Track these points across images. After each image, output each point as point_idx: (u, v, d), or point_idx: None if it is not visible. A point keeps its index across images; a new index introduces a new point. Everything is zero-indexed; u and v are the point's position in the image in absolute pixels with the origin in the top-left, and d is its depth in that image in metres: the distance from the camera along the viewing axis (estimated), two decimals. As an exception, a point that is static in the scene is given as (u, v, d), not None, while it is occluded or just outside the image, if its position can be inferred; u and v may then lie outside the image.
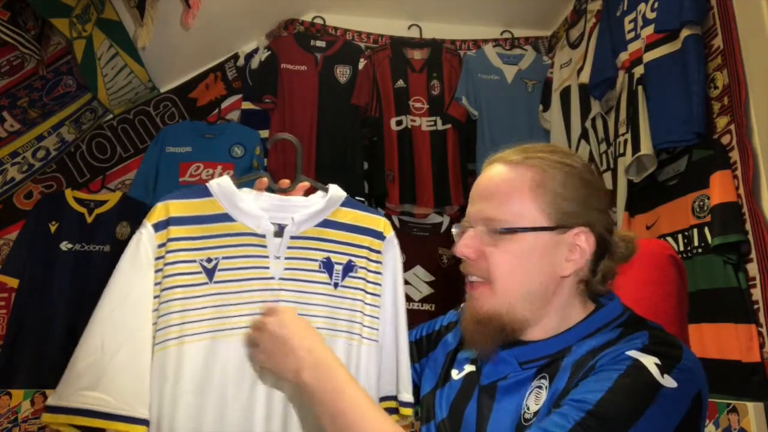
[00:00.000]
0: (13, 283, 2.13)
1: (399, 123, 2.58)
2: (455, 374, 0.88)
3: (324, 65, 2.56)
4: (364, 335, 0.91)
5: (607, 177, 2.09)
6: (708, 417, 1.39)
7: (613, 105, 2.06)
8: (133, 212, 2.30)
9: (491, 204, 0.79)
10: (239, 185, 0.91)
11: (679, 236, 1.68)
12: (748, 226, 1.47)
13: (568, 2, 2.60)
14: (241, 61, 2.64)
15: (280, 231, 0.90)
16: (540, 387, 0.74)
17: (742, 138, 1.51)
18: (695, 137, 1.64)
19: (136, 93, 2.43)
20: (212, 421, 0.82)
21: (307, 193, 0.97)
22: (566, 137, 2.36)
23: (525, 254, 0.77)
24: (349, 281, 0.92)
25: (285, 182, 0.96)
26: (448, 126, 2.59)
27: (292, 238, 0.90)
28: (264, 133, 2.51)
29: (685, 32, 1.68)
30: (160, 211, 0.87)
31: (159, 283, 0.84)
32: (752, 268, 1.46)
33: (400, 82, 2.61)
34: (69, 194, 2.27)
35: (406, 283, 2.38)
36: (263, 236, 0.89)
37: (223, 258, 0.87)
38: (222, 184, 0.90)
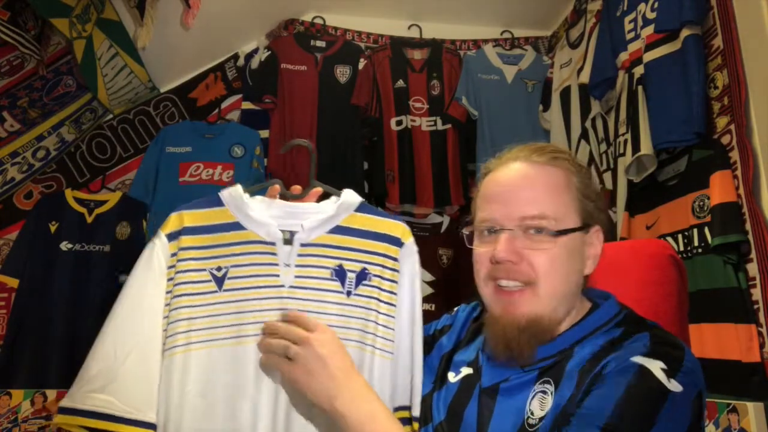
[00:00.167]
0: (13, 283, 2.13)
1: (399, 123, 2.58)
2: (452, 377, 0.87)
3: (324, 65, 2.56)
4: (378, 346, 0.88)
5: (607, 177, 2.09)
6: (708, 417, 1.39)
7: (613, 105, 2.06)
8: (133, 212, 2.30)
9: (531, 205, 0.77)
10: (252, 193, 0.91)
11: (679, 236, 1.68)
12: (748, 226, 1.48)
13: (568, 2, 2.60)
14: (241, 61, 2.64)
15: (290, 238, 0.88)
16: (544, 392, 0.74)
17: (742, 138, 1.51)
18: (695, 137, 1.64)
19: (136, 93, 2.43)
20: (217, 428, 0.82)
21: (322, 198, 0.95)
22: (566, 137, 2.36)
23: (564, 255, 0.77)
24: (363, 290, 0.89)
25: (296, 188, 0.95)
26: (448, 126, 2.59)
27: (303, 245, 0.88)
28: (264, 133, 2.51)
29: (685, 32, 1.68)
30: (174, 221, 0.89)
31: (170, 291, 0.86)
32: (752, 268, 1.46)
33: (400, 82, 2.61)
34: (69, 194, 2.27)
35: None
36: (273, 244, 0.88)
37: (233, 266, 0.87)
38: (233, 192, 0.90)
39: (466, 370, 0.86)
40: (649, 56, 1.81)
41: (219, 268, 0.87)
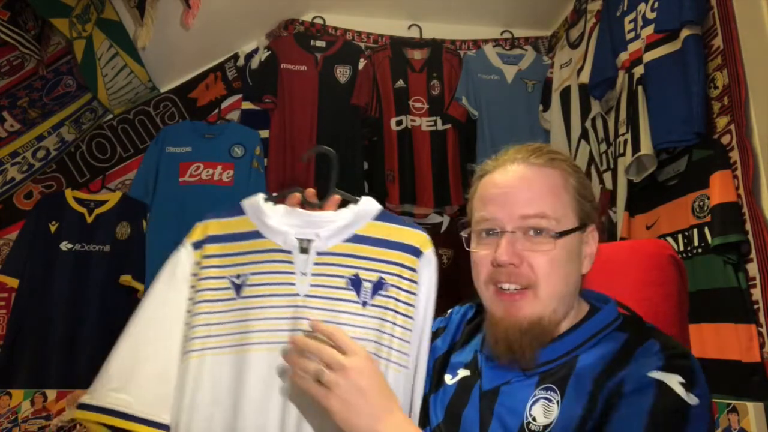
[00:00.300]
0: (13, 283, 2.14)
1: (399, 123, 2.58)
2: (449, 379, 0.87)
3: (324, 65, 2.56)
4: (393, 359, 0.86)
5: (607, 177, 2.09)
6: (708, 417, 1.38)
7: (613, 105, 2.06)
8: (133, 212, 2.30)
9: (531, 206, 0.77)
10: (276, 201, 0.92)
11: (679, 236, 1.68)
12: (748, 226, 1.48)
13: (568, 2, 2.60)
14: (241, 61, 2.64)
15: (306, 247, 0.88)
16: (548, 400, 0.73)
17: (742, 138, 1.51)
18: (695, 137, 1.64)
19: (136, 93, 2.43)
20: None
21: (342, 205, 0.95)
22: (566, 137, 2.36)
23: (564, 256, 0.77)
24: (379, 300, 0.87)
25: (310, 191, 0.95)
26: (448, 126, 2.59)
27: (319, 254, 0.88)
28: (264, 133, 2.51)
29: (685, 32, 1.68)
30: (199, 230, 0.91)
31: (191, 298, 0.88)
32: (752, 268, 1.46)
33: (400, 82, 2.61)
34: (69, 194, 2.27)
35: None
36: (290, 252, 0.88)
37: (251, 274, 0.88)
38: (253, 201, 0.92)
39: (463, 372, 0.85)
40: (649, 56, 1.81)
41: (238, 276, 0.88)
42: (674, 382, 0.66)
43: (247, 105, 2.57)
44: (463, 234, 0.85)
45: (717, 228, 1.51)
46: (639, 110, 1.81)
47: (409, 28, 2.76)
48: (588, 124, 2.23)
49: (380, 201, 2.78)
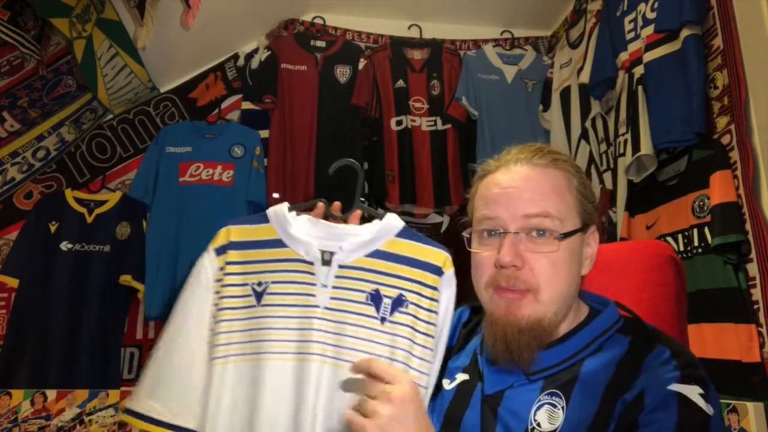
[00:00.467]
0: (13, 283, 2.14)
1: (399, 123, 2.58)
2: (447, 384, 0.86)
3: (324, 65, 2.56)
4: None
5: (607, 177, 2.09)
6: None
7: (613, 105, 2.06)
8: (133, 212, 2.30)
9: (534, 205, 0.77)
10: (300, 211, 0.92)
11: (679, 236, 1.68)
12: (748, 226, 1.47)
13: (568, 2, 2.59)
14: (241, 61, 2.64)
15: (329, 259, 0.88)
16: (554, 405, 0.73)
17: (742, 138, 1.51)
18: (695, 137, 1.64)
19: (136, 93, 2.43)
20: None
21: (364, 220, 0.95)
22: (566, 137, 2.36)
23: (567, 258, 0.77)
24: (398, 317, 0.86)
25: (336, 204, 0.96)
26: (448, 126, 2.59)
27: (341, 267, 0.88)
28: (264, 133, 2.51)
29: (685, 32, 1.68)
30: (222, 236, 0.92)
31: (216, 304, 0.89)
32: (752, 268, 1.46)
33: (400, 82, 2.61)
34: (69, 194, 2.28)
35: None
36: (312, 263, 0.88)
37: (273, 282, 0.88)
38: (278, 210, 0.91)
39: (461, 377, 0.85)
40: (649, 56, 1.81)
41: (260, 284, 0.88)
42: (694, 394, 0.66)
43: (247, 105, 2.57)
44: (465, 234, 0.84)
45: (717, 228, 1.51)
46: (639, 110, 1.81)
47: (409, 28, 2.76)
48: (588, 124, 2.23)
49: (380, 201, 2.78)
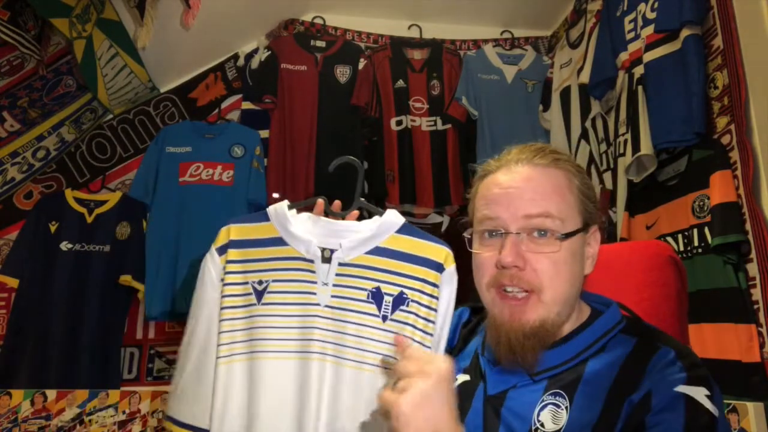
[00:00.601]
0: (13, 283, 2.14)
1: (399, 123, 2.58)
2: None
3: (324, 65, 2.56)
4: None
5: (607, 177, 2.09)
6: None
7: (613, 105, 2.06)
8: (133, 212, 2.30)
9: (536, 205, 0.76)
10: (299, 209, 0.92)
11: (679, 236, 1.68)
12: (748, 226, 1.48)
13: (568, 2, 2.60)
14: (241, 61, 2.63)
15: (329, 257, 0.88)
16: (557, 406, 0.73)
17: (742, 138, 1.51)
18: (695, 137, 1.64)
19: (136, 93, 2.43)
20: None
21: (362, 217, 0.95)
22: (566, 137, 2.36)
23: (569, 258, 0.76)
24: (400, 315, 0.86)
25: (337, 203, 0.96)
26: (448, 126, 2.59)
27: (341, 264, 0.87)
28: (264, 133, 2.51)
29: (685, 32, 1.68)
30: (222, 235, 0.92)
31: (220, 304, 0.89)
32: (752, 268, 1.46)
33: (400, 82, 2.61)
34: (69, 194, 2.28)
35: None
36: (312, 261, 0.88)
37: (273, 281, 0.88)
38: (278, 208, 0.91)
39: (462, 377, 0.85)
40: (649, 56, 1.81)
41: (260, 282, 0.88)
42: (701, 395, 0.67)
43: (247, 105, 2.57)
44: (466, 235, 0.83)
45: (717, 228, 1.51)
46: (639, 110, 1.81)
47: (409, 28, 2.76)
48: (588, 124, 2.23)
49: (380, 201, 2.78)
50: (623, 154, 1.89)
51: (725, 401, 1.38)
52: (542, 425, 0.72)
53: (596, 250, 0.82)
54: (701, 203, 1.61)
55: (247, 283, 0.88)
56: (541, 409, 0.73)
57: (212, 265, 0.90)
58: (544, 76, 2.59)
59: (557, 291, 0.75)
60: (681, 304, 0.98)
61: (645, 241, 1.73)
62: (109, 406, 1.78)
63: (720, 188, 1.54)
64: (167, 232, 2.27)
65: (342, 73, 2.57)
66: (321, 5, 2.68)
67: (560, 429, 0.70)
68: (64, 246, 2.18)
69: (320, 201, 0.94)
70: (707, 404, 0.66)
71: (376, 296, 0.87)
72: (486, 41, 2.76)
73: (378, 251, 0.88)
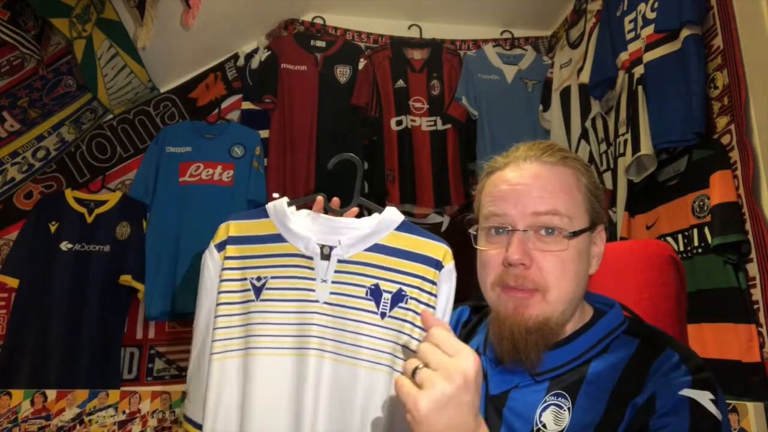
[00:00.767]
0: (13, 283, 2.14)
1: (399, 123, 2.58)
2: None
3: (324, 65, 2.56)
4: None
5: (607, 177, 2.09)
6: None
7: (613, 105, 2.06)
8: (133, 212, 2.30)
9: (544, 203, 0.76)
10: (299, 206, 0.92)
11: (679, 236, 1.68)
12: (748, 226, 1.47)
13: (568, 2, 2.60)
14: (241, 61, 2.64)
15: (328, 254, 0.88)
16: (559, 406, 0.72)
17: (742, 138, 1.51)
18: (695, 137, 1.64)
19: (136, 93, 2.43)
20: None
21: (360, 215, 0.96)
22: (566, 137, 2.36)
23: (576, 257, 0.76)
24: (398, 312, 0.86)
25: (335, 200, 0.96)
26: (448, 126, 2.59)
27: (340, 261, 0.88)
28: (264, 133, 2.51)
29: (685, 32, 1.68)
30: (221, 231, 0.92)
31: (216, 300, 0.89)
32: (752, 268, 1.46)
33: (400, 82, 2.61)
34: (69, 194, 2.28)
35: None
36: (311, 258, 0.88)
37: (272, 278, 0.88)
38: (277, 205, 0.92)
39: None
40: (649, 56, 1.81)
41: (259, 278, 0.88)
42: (705, 399, 0.66)
43: (247, 105, 2.57)
44: (471, 231, 0.82)
45: (717, 228, 1.51)
46: (639, 110, 1.81)
47: (409, 28, 2.76)
48: (588, 124, 2.23)
49: (380, 201, 2.79)
50: (623, 154, 1.89)
51: (725, 401, 1.38)
52: (544, 426, 0.72)
53: (602, 249, 0.82)
54: (701, 203, 1.61)
55: (245, 279, 0.88)
56: (544, 409, 0.73)
57: (211, 261, 0.90)
58: (544, 76, 2.59)
59: (563, 290, 0.75)
60: (680, 303, 0.98)
61: (645, 241, 1.73)
62: (109, 406, 1.78)
63: (720, 188, 1.54)
64: (167, 232, 2.27)
65: (342, 73, 2.57)
66: (321, 5, 2.68)
67: (562, 430, 0.70)
68: (64, 246, 2.18)
69: (320, 198, 0.94)
70: (712, 409, 0.66)
71: (375, 293, 0.87)
72: (486, 41, 2.76)
73: (377, 248, 0.89)
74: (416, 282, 0.87)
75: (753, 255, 1.46)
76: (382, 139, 2.56)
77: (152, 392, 1.81)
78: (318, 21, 2.70)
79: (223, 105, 2.64)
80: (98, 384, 1.99)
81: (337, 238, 0.88)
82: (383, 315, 0.86)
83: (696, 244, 1.61)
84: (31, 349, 2.06)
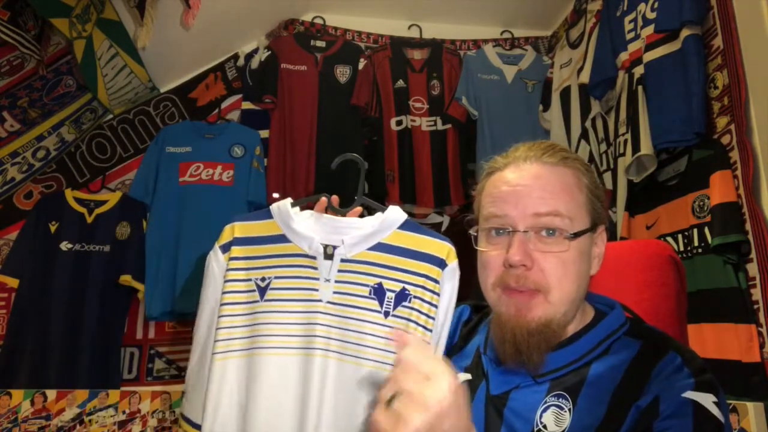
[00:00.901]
0: (13, 283, 2.14)
1: (399, 123, 2.58)
2: None
3: (324, 65, 2.56)
4: None
5: (607, 177, 2.09)
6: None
7: (613, 105, 2.06)
8: (133, 212, 2.31)
9: (545, 203, 0.75)
10: (303, 207, 0.93)
11: (679, 236, 1.68)
12: (748, 226, 1.47)
13: (568, 2, 2.59)
14: (241, 61, 2.64)
15: (331, 253, 0.88)
16: (560, 407, 0.72)
17: (742, 138, 1.51)
18: (695, 137, 1.64)
19: (136, 93, 2.43)
20: None
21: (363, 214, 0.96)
22: (566, 137, 2.36)
23: (577, 258, 0.76)
24: (402, 311, 0.86)
25: (335, 198, 0.96)
26: (448, 126, 2.59)
27: (344, 261, 0.88)
28: (264, 133, 2.51)
29: (685, 32, 1.68)
30: (227, 233, 0.92)
31: (220, 301, 0.90)
32: (752, 268, 1.46)
33: (400, 82, 2.61)
34: (69, 194, 2.28)
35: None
36: (314, 258, 0.88)
37: (276, 278, 0.88)
38: (281, 206, 0.92)
39: (463, 376, 0.84)
40: (649, 56, 1.81)
41: (263, 279, 0.89)
42: (709, 402, 0.66)
43: (247, 105, 2.57)
44: (471, 232, 0.82)
45: (717, 228, 1.51)
46: (639, 110, 1.81)
47: (409, 28, 2.76)
48: (588, 124, 2.23)
49: (380, 201, 2.78)
50: (623, 154, 1.89)
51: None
52: (545, 427, 0.72)
53: (603, 250, 0.82)
54: (701, 203, 1.61)
55: (250, 279, 0.89)
56: (544, 410, 0.73)
57: (215, 262, 0.91)
58: (544, 76, 2.59)
59: (564, 291, 0.75)
60: (680, 303, 0.98)
61: (645, 241, 1.73)
62: (109, 406, 1.78)
63: (720, 188, 1.54)
64: (167, 232, 2.27)
65: (342, 73, 2.57)
66: (321, 5, 2.68)
67: (563, 431, 0.70)
68: (64, 246, 2.18)
69: (323, 198, 0.94)
70: (715, 411, 0.66)
71: (378, 292, 0.87)
72: (486, 41, 2.76)
73: (380, 247, 0.89)
74: (420, 281, 0.87)
75: (753, 255, 1.46)
76: (382, 139, 2.55)
77: (152, 392, 1.81)
78: (318, 21, 2.70)
79: (223, 105, 2.64)
80: (98, 384, 1.99)
81: (340, 238, 0.88)
82: (387, 314, 0.86)
83: (696, 244, 1.61)
84: (31, 349, 2.06)
